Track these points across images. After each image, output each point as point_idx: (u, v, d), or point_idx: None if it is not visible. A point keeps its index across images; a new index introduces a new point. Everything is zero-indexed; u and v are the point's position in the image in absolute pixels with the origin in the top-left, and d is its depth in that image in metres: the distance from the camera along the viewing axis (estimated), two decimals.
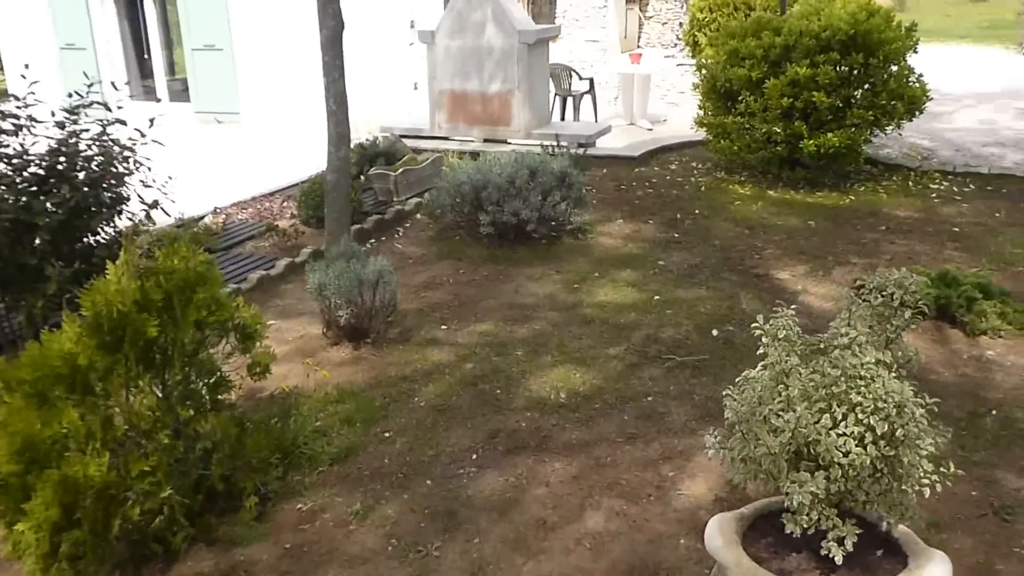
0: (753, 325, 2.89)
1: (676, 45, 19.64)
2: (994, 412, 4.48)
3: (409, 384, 4.90)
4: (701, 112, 9.13)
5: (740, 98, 8.47)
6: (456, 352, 5.25)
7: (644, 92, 12.80)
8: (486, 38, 9.99)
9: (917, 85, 8.29)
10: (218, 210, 8.18)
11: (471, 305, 6.00)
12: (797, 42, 8.10)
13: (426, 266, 6.81)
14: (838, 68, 8.09)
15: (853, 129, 8.06)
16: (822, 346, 2.82)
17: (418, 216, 7.96)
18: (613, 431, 4.36)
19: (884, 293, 2.85)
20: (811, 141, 8.03)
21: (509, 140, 10.23)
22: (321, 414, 4.53)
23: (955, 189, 8.51)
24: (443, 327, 5.65)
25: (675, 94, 15.44)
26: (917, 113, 8.43)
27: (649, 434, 4.33)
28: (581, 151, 9.56)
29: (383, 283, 5.15)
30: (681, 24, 19.37)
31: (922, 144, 10.12)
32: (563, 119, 12.66)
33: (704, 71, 8.84)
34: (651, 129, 12.21)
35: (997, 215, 7.76)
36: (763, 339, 2.83)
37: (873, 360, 2.66)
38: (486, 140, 10.29)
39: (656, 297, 6.05)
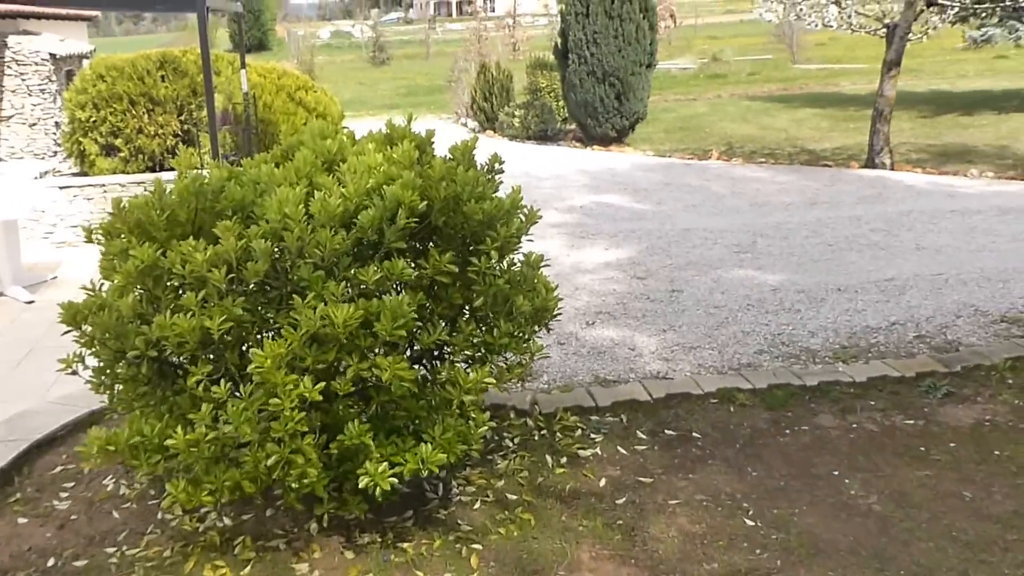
0: None
1: (56, 154, 13.89)
2: None
3: None
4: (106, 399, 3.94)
5: (194, 378, 3.46)
6: None
7: (11, 245, 7.79)
8: None
9: (541, 285, 4.11)
10: None
11: None
12: (305, 239, 3.39)
13: None
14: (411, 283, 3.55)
15: (459, 415, 3.60)
16: None
17: None
18: None
19: None
20: (383, 469, 3.36)
21: None
22: None
23: (622, 452, 4.55)
24: None
25: (65, 229, 10.19)
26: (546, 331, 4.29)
27: None
28: None
29: None
30: (59, 124, 13.70)
31: None
32: None
33: (89, 329, 3.64)
34: (32, 301, 7.39)
35: (751, 522, 3.94)
36: None
37: None
38: None
39: None
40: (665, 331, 6.11)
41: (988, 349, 5.53)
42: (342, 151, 3.78)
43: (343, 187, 3.45)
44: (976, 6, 13.22)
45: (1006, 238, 8.10)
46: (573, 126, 17.38)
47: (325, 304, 3.29)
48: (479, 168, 3.96)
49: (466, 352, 3.72)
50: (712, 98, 24.79)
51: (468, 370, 3.66)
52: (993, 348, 5.54)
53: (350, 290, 3.40)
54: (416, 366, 3.64)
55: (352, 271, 3.39)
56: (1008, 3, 12.41)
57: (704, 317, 6.33)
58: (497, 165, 4.19)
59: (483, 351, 3.75)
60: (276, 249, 3.44)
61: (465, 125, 20.24)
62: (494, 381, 3.70)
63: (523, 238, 3.95)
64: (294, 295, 3.38)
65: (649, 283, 7.14)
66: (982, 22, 16.91)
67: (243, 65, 10.35)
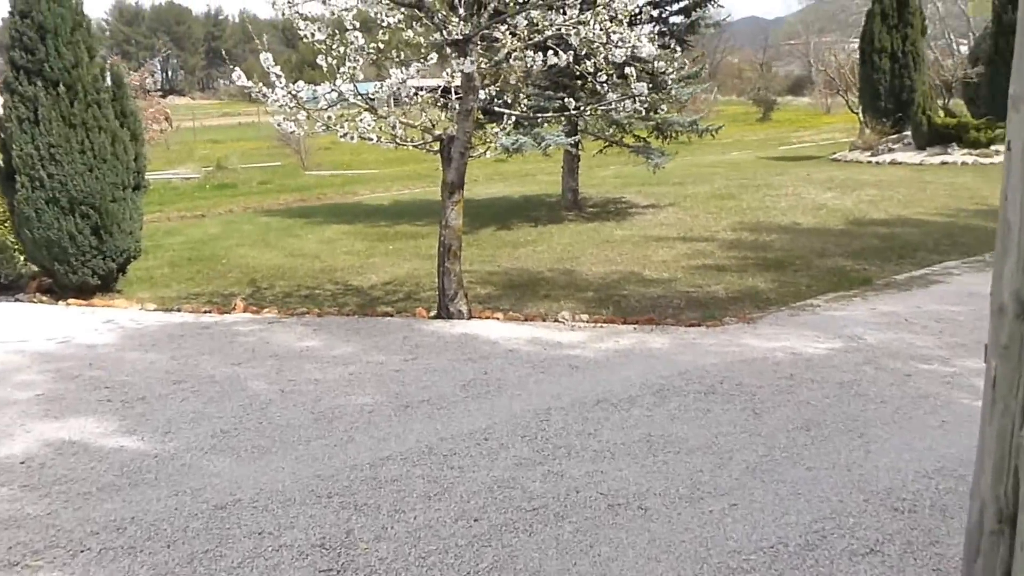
0: None
1: None
2: None
3: None
4: None
5: None
6: None
7: None
8: None
9: None
10: None
11: None
12: None
13: None
14: None
15: None
16: None
17: None
18: None
19: None
20: None
21: None
22: None
23: None
24: None
25: None
26: None
27: None
28: None
29: None
30: None
31: None
32: None
33: None
34: None
35: None
36: None
37: None
38: None
39: None
40: None
41: None
42: None
43: None
44: (538, 116, 11.45)
45: (709, 461, 5.58)
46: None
47: None
48: None
49: None
50: (224, 213, 21.15)
51: None
52: None
53: None
54: None
55: None
56: (571, 112, 10.70)
57: None
58: None
59: None
60: None
61: None
62: None
63: None
64: None
65: None
66: (506, 130, 15.44)
67: None
